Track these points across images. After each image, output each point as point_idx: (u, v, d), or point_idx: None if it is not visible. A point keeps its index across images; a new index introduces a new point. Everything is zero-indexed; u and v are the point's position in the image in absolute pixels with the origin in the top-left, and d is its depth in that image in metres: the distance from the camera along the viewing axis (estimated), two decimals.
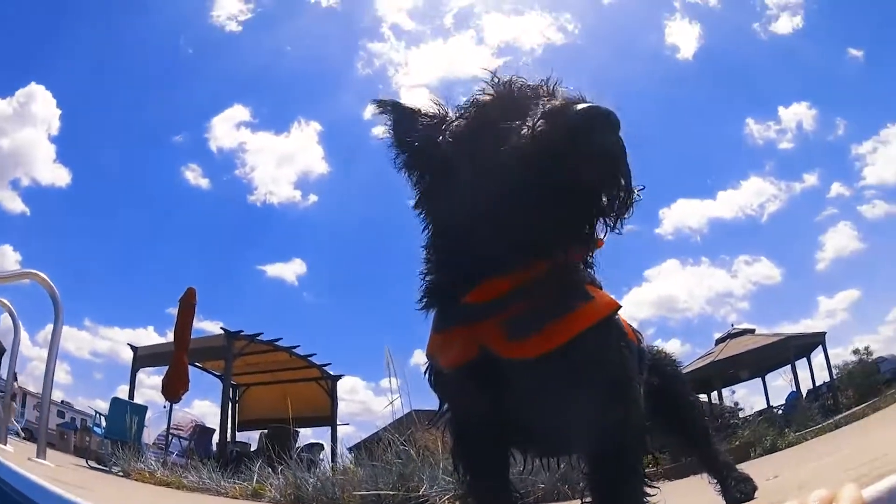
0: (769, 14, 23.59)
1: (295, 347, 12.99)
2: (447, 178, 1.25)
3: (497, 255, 1.19)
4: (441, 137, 1.28)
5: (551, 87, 1.22)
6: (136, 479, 5.01)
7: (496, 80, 1.26)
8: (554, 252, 1.19)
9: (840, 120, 23.41)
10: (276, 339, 12.69)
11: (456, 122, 1.29)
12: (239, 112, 24.37)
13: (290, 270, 26.23)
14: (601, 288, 1.31)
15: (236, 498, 4.60)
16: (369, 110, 1.42)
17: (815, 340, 17.17)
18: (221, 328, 12.28)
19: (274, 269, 25.15)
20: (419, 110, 1.38)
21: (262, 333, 12.33)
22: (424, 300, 1.36)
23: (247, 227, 27.00)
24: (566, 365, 1.19)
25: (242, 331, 12.14)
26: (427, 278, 1.36)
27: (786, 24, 22.59)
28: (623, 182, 1.12)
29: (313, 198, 24.44)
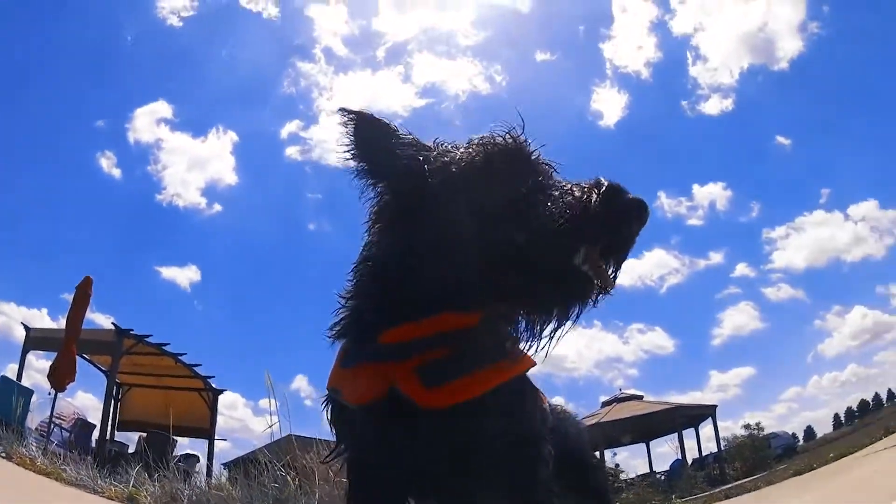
0: (700, 94, 24.82)
1: (181, 355, 12.84)
2: (422, 211, 1.21)
3: (436, 303, 1.18)
4: (429, 168, 1.24)
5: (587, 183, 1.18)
6: (17, 464, 5.09)
7: (509, 135, 1.24)
8: (502, 317, 1.21)
9: (755, 203, 24.95)
10: (164, 344, 12.49)
11: (456, 159, 1.24)
12: (162, 108, 23.71)
13: (184, 276, 25.43)
14: (518, 343, 1.25)
15: (111, 500, 4.72)
16: (335, 117, 1.37)
17: (706, 412, 17.87)
18: (113, 324, 11.99)
19: (169, 272, 24.26)
20: (392, 127, 1.34)
21: (151, 336, 12.12)
22: (339, 328, 1.32)
23: (150, 225, 25.87)
24: (478, 418, 1.18)
25: (133, 329, 11.87)
26: (348, 303, 1.32)
27: (715, 106, 23.95)
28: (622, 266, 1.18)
29: (218, 207, 23.88)
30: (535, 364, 1.27)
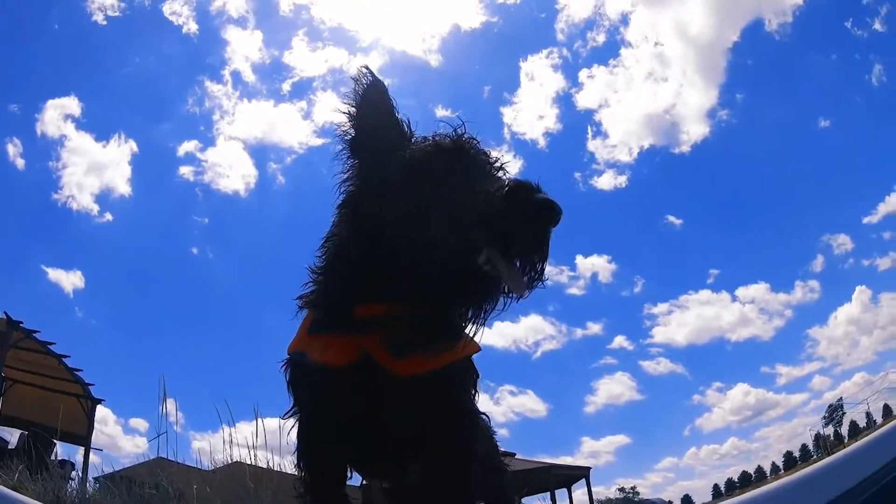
0: (595, 168, 25.26)
1: (66, 357, 12.54)
2: (388, 195, 1.26)
3: (401, 285, 1.25)
4: (401, 155, 1.28)
5: (500, 164, 1.30)
6: None
7: (459, 131, 1.31)
8: (444, 307, 1.26)
9: (639, 279, 25.50)
10: (51, 343, 12.18)
11: (419, 151, 1.28)
12: (72, 104, 22.50)
13: (69, 280, 23.85)
14: (465, 328, 1.34)
15: None
16: (359, 70, 1.38)
17: (579, 473, 17.99)
18: (4, 312, 11.50)
19: (55, 274, 22.77)
20: (392, 105, 1.39)
21: (39, 332, 11.79)
22: (308, 299, 1.41)
23: (42, 223, 24.11)
24: (433, 386, 1.32)
25: (23, 322, 11.48)
26: (317, 278, 1.40)
27: (609, 181, 24.39)
28: (542, 268, 1.20)
29: (109, 216, 22.72)
30: (479, 349, 1.39)
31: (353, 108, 1.39)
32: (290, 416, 1.47)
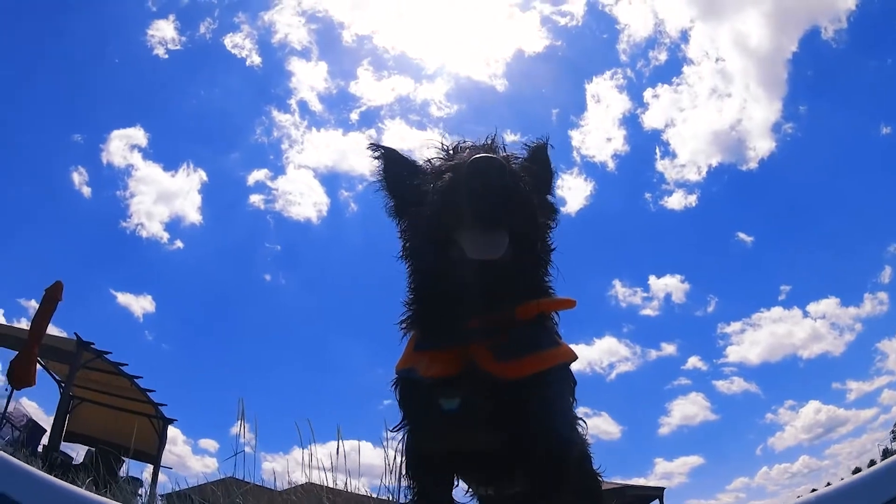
0: (665, 188, 24.63)
1: (138, 378, 12.56)
2: (429, 235, 1.36)
3: (461, 303, 1.36)
4: (429, 193, 1.36)
5: (457, 146, 1.46)
6: None
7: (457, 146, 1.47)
8: (498, 305, 1.36)
9: (712, 297, 24.71)
10: (123, 364, 12.23)
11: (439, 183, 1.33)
12: (138, 134, 23.30)
13: (139, 305, 24.49)
14: (560, 339, 1.49)
15: None
16: (365, 150, 1.58)
17: (654, 493, 17.69)
18: (75, 334, 11.71)
19: (125, 298, 23.38)
20: (412, 162, 1.55)
21: (111, 353, 11.86)
22: (407, 323, 1.53)
23: (112, 249, 24.99)
24: (538, 389, 1.37)
25: (94, 343, 11.64)
26: (411, 306, 1.53)
27: (679, 201, 23.82)
28: (519, 211, 1.27)
29: (179, 244, 23.42)
30: (576, 357, 1.47)
31: (382, 182, 1.58)
32: (399, 430, 1.55)
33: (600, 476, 1.87)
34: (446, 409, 1.38)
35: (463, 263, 1.26)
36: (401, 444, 1.56)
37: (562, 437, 1.41)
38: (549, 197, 1.57)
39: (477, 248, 1.23)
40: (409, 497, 1.55)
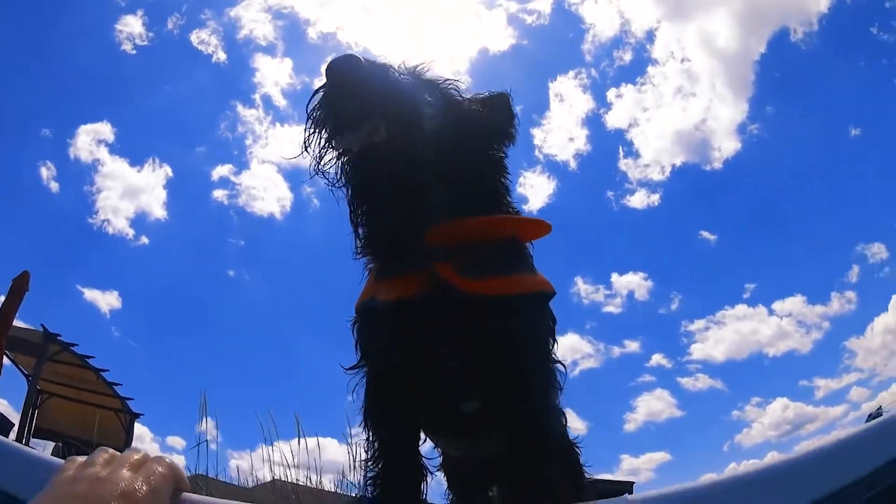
0: (627, 187, 24.83)
1: (104, 371, 12.43)
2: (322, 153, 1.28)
3: (395, 208, 1.25)
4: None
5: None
6: None
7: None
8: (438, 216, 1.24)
9: (676, 295, 24.78)
10: (89, 357, 12.12)
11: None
12: (105, 129, 22.95)
13: (105, 300, 24.08)
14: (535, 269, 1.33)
15: None
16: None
17: (623, 488, 17.76)
18: (42, 325, 11.54)
19: (91, 294, 22.95)
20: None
21: (78, 345, 11.77)
22: (366, 248, 1.35)
23: (78, 245, 24.52)
24: (508, 316, 1.23)
25: (60, 335, 11.49)
26: (361, 230, 1.34)
27: (641, 200, 23.89)
28: (391, 96, 1.18)
29: (144, 240, 23.07)
30: (555, 292, 1.32)
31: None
32: (355, 369, 1.37)
33: (578, 448, 1.64)
34: (407, 333, 1.26)
35: (358, 162, 1.24)
36: (359, 390, 1.38)
37: (543, 388, 1.29)
38: (502, 138, 1.39)
39: (354, 139, 1.18)
40: (369, 453, 1.36)
